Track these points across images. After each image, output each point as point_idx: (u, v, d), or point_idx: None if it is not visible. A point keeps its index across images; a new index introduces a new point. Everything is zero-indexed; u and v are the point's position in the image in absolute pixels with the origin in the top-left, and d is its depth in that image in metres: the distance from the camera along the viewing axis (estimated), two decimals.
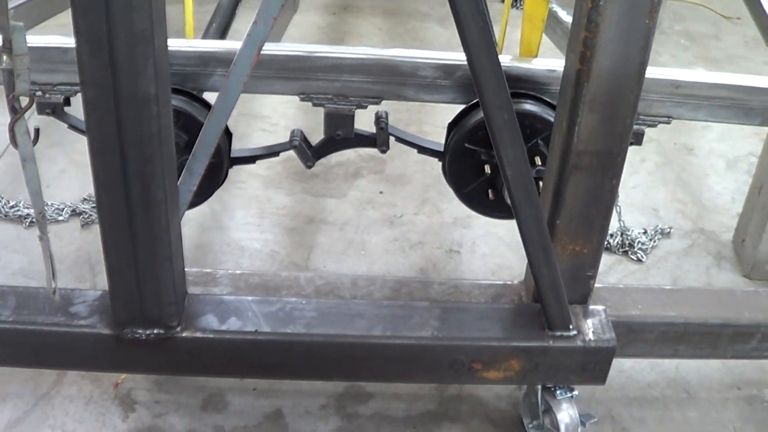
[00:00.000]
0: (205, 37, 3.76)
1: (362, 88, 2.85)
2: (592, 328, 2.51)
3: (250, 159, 3.09)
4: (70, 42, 2.65)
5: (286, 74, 2.83)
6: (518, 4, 5.94)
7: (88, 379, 2.95)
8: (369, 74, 2.84)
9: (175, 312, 2.37)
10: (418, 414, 2.94)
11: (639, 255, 3.77)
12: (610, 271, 3.68)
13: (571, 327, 2.48)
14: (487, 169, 2.91)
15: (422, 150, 3.06)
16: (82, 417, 2.84)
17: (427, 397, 2.99)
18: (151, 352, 2.43)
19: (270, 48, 2.67)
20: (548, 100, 2.83)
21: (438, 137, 3.07)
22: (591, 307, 2.58)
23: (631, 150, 2.34)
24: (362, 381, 2.99)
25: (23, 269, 3.45)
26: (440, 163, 3.02)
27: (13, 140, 1.94)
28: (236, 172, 3.71)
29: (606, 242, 3.19)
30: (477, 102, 2.77)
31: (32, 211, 3.71)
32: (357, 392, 3.00)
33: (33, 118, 1.96)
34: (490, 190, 2.96)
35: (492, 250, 3.78)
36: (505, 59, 2.86)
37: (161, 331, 2.37)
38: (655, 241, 3.86)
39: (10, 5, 1.79)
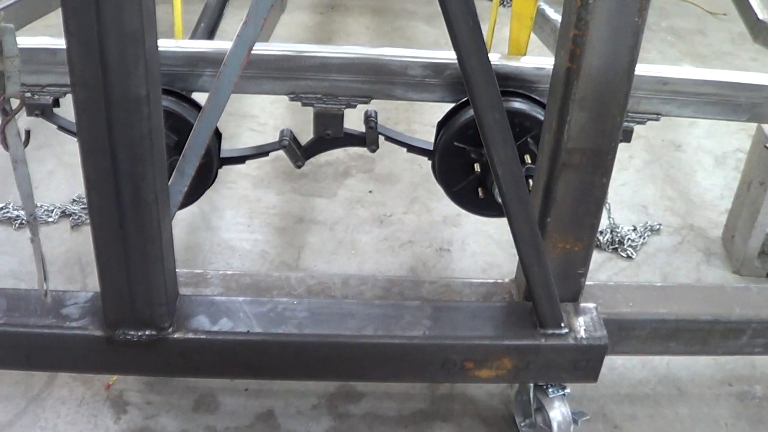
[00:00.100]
0: (193, 37, 3.76)
1: (351, 88, 2.85)
2: (583, 325, 2.52)
3: (240, 159, 3.09)
4: (58, 43, 2.66)
5: (276, 74, 2.83)
6: (506, 3, 5.95)
7: (80, 381, 2.94)
8: (358, 73, 2.84)
9: (166, 313, 2.37)
10: (410, 413, 2.94)
11: (629, 252, 3.78)
12: (601, 268, 3.68)
13: (562, 325, 2.49)
14: (477, 167, 2.91)
15: (412, 149, 3.06)
16: (73, 419, 2.83)
17: (419, 396, 3.00)
18: (143, 354, 2.42)
19: (259, 48, 2.67)
20: (537, 98, 2.84)
21: (427, 136, 3.07)
22: (582, 304, 2.59)
23: (620, 147, 2.34)
24: (354, 381, 2.99)
25: (13, 271, 3.44)
26: (429, 162, 3.03)
27: (4, 142, 1.93)
28: (226, 172, 3.70)
29: (596, 239, 3.20)
30: (466, 100, 2.79)
31: (22, 212, 3.70)
32: (349, 392, 3.00)
33: (22, 120, 1.94)
34: (479, 189, 2.96)
35: (482, 249, 3.78)
36: (494, 57, 2.86)
37: (153, 333, 2.37)
38: (644, 238, 3.87)
39: None
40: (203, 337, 2.41)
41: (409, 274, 3.61)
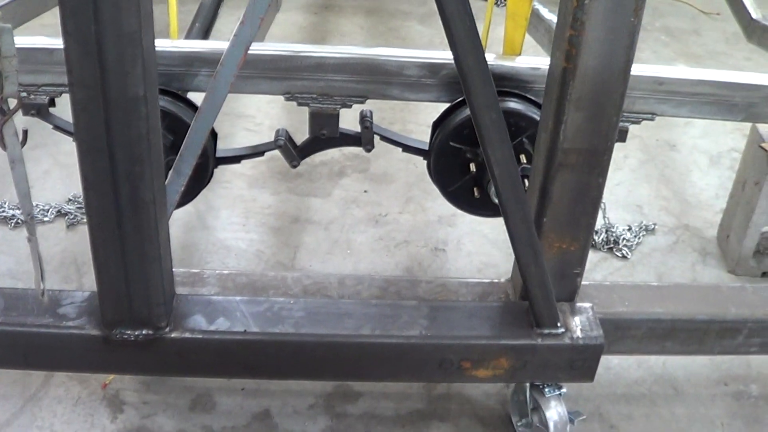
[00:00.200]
0: (188, 37, 3.76)
1: (347, 88, 2.85)
2: (579, 325, 2.52)
3: (236, 159, 3.10)
4: (55, 43, 2.66)
5: (271, 74, 2.83)
6: (501, 3, 5.95)
7: (76, 380, 2.94)
8: (354, 73, 2.84)
9: (163, 312, 2.36)
10: (407, 413, 2.94)
11: (624, 252, 3.79)
12: (596, 268, 3.69)
13: (559, 324, 2.49)
14: (473, 167, 2.91)
15: (407, 149, 3.06)
16: (70, 418, 2.83)
17: (416, 396, 3.00)
18: (140, 353, 2.42)
19: (255, 48, 2.67)
20: (532, 98, 2.84)
21: (422, 136, 3.07)
22: (578, 304, 2.59)
23: (615, 147, 2.35)
24: (351, 380, 2.99)
25: (10, 270, 3.44)
26: (424, 162, 3.03)
27: (2, 142, 1.93)
28: (221, 172, 3.70)
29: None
30: (462, 100, 2.79)
31: (18, 212, 3.70)
32: (345, 392, 3.00)
33: (18, 119, 1.94)
34: (475, 188, 2.96)
35: (477, 248, 3.78)
36: (489, 58, 2.85)
37: (150, 332, 2.37)
38: (639, 238, 3.88)
39: None
40: (200, 336, 2.41)
41: (404, 274, 3.61)
